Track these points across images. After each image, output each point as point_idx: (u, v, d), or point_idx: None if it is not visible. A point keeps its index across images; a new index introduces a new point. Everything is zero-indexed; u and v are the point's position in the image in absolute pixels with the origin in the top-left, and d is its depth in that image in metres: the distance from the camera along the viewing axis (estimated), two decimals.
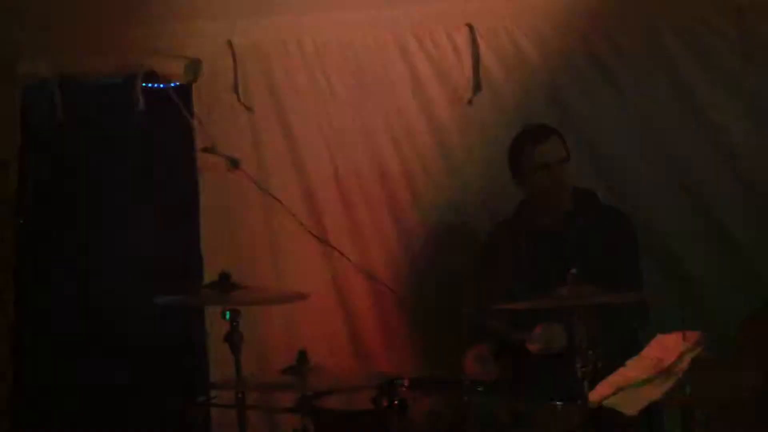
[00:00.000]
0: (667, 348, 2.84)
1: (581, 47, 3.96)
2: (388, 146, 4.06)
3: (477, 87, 3.96)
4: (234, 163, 3.97)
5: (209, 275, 3.65)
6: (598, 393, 2.76)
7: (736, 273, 3.93)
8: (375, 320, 4.07)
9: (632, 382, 2.73)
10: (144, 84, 4.01)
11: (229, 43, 3.98)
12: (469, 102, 3.99)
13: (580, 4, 3.92)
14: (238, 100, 4.00)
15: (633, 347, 3.24)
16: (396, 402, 2.89)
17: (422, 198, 4.07)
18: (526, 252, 3.47)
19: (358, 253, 4.06)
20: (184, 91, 4.03)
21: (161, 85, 4.06)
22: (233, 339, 3.03)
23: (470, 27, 3.96)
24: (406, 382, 3.08)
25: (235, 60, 3.98)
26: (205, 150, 3.97)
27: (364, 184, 4.07)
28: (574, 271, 3.02)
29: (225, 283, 3.08)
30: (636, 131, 3.96)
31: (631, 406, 2.70)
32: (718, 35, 3.91)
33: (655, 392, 2.70)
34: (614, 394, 2.73)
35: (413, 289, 4.05)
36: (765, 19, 3.88)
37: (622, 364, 2.80)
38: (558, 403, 3.01)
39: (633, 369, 2.79)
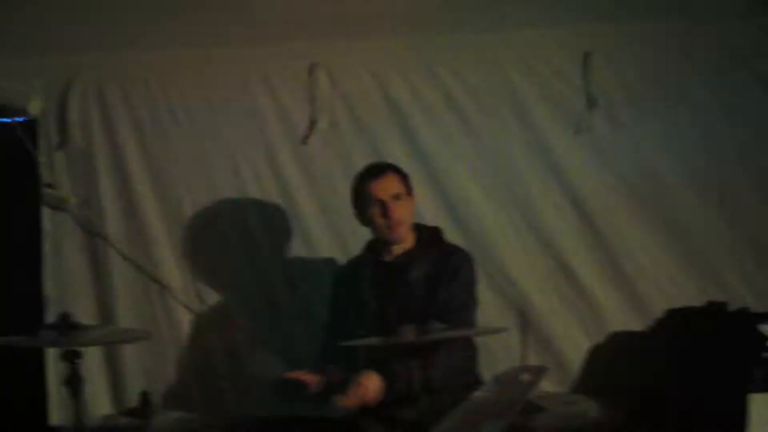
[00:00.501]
0: (508, 382, 2.89)
1: (432, 84, 4.03)
2: (227, 185, 4.08)
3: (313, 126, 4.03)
4: (68, 201, 3.92)
5: (52, 315, 3.55)
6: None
7: (578, 308, 4.03)
8: (226, 357, 4.04)
9: (473, 417, 2.76)
10: None
11: (73, 80, 3.96)
12: (304, 142, 4.06)
13: (426, 41, 3.99)
14: (79, 137, 3.95)
15: (473, 382, 3.30)
16: None
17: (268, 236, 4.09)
18: (369, 291, 3.48)
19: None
20: (30, 126, 3.95)
21: (7, 120, 3.97)
22: (72, 381, 2.93)
23: (313, 66, 4.01)
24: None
25: (80, 96, 3.97)
26: (48, 186, 3.91)
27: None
28: (416, 309, 3.01)
29: (65, 323, 2.98)
30: (487, 170, 4.04)
31: None
32: (564, 78, 4.03)
33: (496, 427, 2.73)
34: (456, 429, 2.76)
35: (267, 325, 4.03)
36: (609, 63, 4.03)
37: (463, 399, 2.83)
38: None
39: (474, 404, 2.82)
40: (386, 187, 3.42)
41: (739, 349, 3.89)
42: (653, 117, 4.04)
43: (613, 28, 3.99)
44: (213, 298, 4.09)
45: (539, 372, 2.84)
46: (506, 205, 4.03)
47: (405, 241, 3.47)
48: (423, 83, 4.03)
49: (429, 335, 2.84)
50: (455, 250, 3.52)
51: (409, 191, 3.48)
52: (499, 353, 3.72)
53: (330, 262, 3.98)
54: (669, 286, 4.04)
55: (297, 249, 4.08)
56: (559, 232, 4.03)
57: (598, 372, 3.99)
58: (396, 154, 3.93)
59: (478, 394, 2.83)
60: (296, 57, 4.00)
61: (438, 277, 3.37)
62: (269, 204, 4.07)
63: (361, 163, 3.66)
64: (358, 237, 3.62)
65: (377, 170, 3.49)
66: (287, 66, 4.03)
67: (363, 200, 3.45)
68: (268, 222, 4.07)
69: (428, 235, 3.53)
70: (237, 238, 4.08)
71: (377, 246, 3.52)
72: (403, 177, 3.49)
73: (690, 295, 4.01)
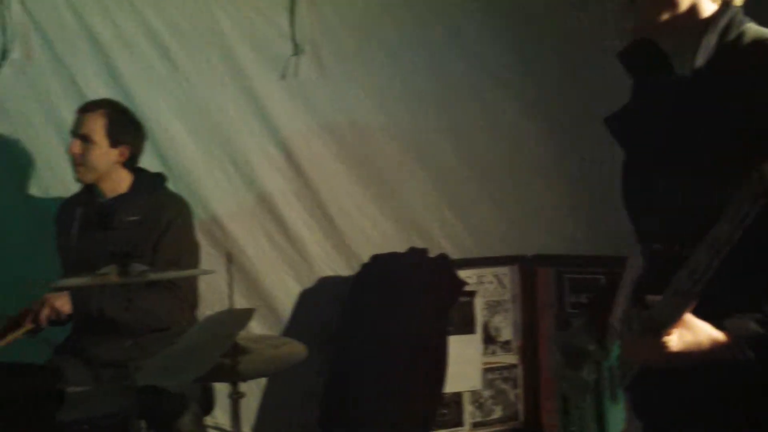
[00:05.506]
0: (216, 324, 2.84)
1: (134, 20, 3.81)
2: None
3: None
4: None
5: None
6: None
7: (287, 252, 4.02)
8: None
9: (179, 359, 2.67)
10: None
11: None
12: None
13: None
14: None
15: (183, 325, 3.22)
16: None
17: None
18: (76, 229, 3.34)
19: None
20: None
21: None
22: None
23: None
24: None
25: None
26: None
27: None
28: (119, 250, 2.89)
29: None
30: (192, 110, 3.89)
31: None
32: (271, 23, 3.96)
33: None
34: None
35: None
36: (313, 8, 4.00)
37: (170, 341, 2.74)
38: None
39: (181, 346, 2.73)
40: (83, 124, 3.31)
41: (440, 292, 4.07)
42: (355, 64, 4.10)
43: None
44: None
45: (246, 315, 2.80)
46: (213, 147, 3.92)
47: (104, 183, 3.37)
48: (124, 18, 3.79)
49: (132, 277, 2.71)
50: (169, 200, 3.43)
51: (109, 138, 3.33)
52: (208, 296, 3.63)
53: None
54: (373, 232, 4.14)
55: None
56: (267, 177, 3.99)
57: (307, 316, 4.01)
58: (97, 90, 3.67)
59: (185, 336, 2.75)
60: None
61: (150, 226, 3.30)
62: None
63: (58, 98, 3.52)
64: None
65: (86, 106, 3.37)
66: None
67: None
68: None
69: (147, 181, 3.44)
70: None
71: (90, 187, 3.38)
72: (112, 120, 3.35)
73: (394, 241, 4.13)
